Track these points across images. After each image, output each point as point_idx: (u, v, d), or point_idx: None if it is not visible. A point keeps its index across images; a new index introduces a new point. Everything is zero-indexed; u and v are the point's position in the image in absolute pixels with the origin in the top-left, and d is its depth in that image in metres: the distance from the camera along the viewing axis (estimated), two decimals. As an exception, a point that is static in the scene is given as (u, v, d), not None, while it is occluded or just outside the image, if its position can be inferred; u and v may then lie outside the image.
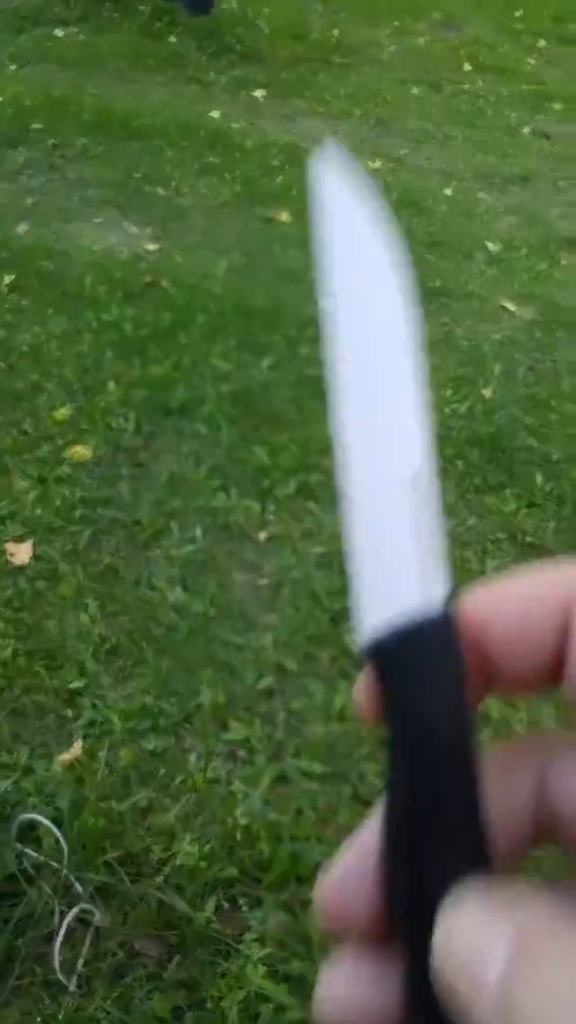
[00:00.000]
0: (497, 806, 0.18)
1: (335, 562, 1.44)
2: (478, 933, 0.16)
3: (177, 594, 1.35)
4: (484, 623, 0.19)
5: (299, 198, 2.94)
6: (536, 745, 0.19)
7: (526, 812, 0.19)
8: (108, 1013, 0.86)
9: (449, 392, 1.96)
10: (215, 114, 3.60)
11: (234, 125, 3.51)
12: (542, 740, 0.20)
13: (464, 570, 1.47)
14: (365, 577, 0.18)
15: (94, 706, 1.17)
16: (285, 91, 4.00)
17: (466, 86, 4.52)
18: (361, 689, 0.19)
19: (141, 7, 4.55)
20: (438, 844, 0.17)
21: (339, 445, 0.19)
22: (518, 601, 0.19)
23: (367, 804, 1.07)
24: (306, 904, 0.95)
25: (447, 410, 1.89)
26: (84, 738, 1.13)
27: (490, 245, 2.78)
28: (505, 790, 0.19)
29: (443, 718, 0.17)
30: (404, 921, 0.18)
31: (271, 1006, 0.87)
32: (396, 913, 0.18)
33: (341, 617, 1.35)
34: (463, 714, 0.18)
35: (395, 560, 0.18)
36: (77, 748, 1.11)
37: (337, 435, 0.19)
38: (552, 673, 0.19)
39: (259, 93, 3.94)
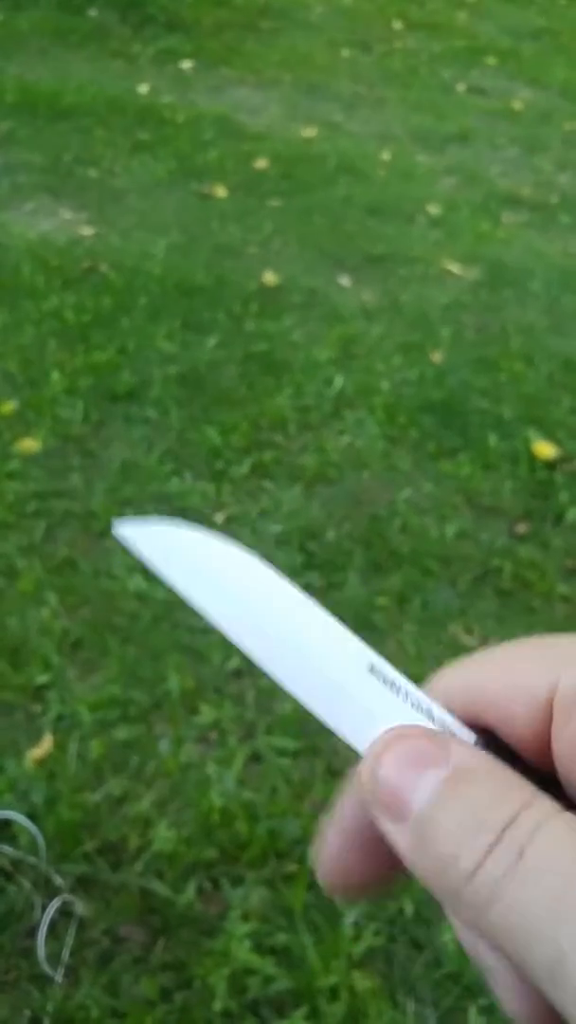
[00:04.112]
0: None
1: (294, 539, 1.45)
2: (413, 763, 0.16)
3: (137, 582, 1.34)
4: (480, 700, 0.18)
5: (234, 171, 2.88)
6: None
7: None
8: (97, 1000, 0.86)
9: (398, 360, 1.96)
10: (143, 89, 3.50)
11: (163, 99, 3.41)
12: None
13: (423, 537, 1.49)
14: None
15: (62, 700, 1.16)
16: (213, 60, 3.90)
17: (397, 45, 4.46)
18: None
19: (58, -21, 4.36)
20: None
21: (302, 699, 0.19)
22: (502, 681, 0.18)
23: (341, 776, 1.08)
24: (287, 879, 0.97)
25: (397, 378, 1.89)
26: (54, 732, 1.12)
27: (431, 207, 2.77)
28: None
29: None
30: None
31: (258, 978, 0.88)
32: None
33: (304, 592, 1.35)
34: None
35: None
36: (47, 743, 1.10)
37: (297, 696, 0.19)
38: (540, 750, 0.18)
39: (186, 64, 3.84)
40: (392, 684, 0.19)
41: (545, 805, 0.15)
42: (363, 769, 0.17)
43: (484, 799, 0.16)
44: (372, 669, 0.19)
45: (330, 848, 0.19)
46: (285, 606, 0.20)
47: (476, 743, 0.18)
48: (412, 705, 0.19)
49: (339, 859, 0.19)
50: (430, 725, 0.18)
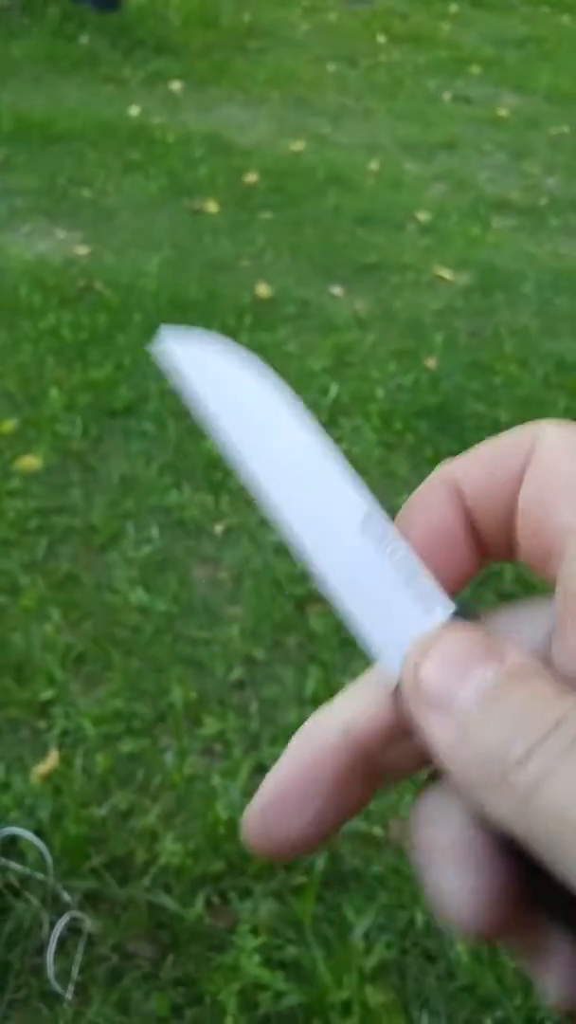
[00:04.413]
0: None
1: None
2: (462, 661, 0.16)
3: (139, 595, 1.34)
4: (459, 488, 0.19)
5: (225, 187, 2.91)
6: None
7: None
8: (107, 1018, 0.86)
9: (393, 366, 1.97)
10: (134, 111, 3.55)
11: (154, 120, 3.46)
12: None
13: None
14: (367, 626, 0.19)
15: (66, 715, 1.16)
16: (202, 81, 3.95)
17: (382, 58, 4.52)
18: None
19: (49, 10, 4.44)
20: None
21: (287, 528, 0.19)
22: (484, 460, 0.19)
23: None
24: (296, 890, 0.96)
25: (392, 385, 1.90)
26: (59, 748, 1.12)
27: (420, 215, 2.79)
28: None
29: None
30: None
31: (269, 994, 0.87)
32: None
33: (305, 602, 1.36)
34: None
35: (387, 597, 0.18)
36: (53, 758, 1.10)
37: (282, 521, 0.19)
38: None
39: (176, 85, 3.89)
40: (382, 538, 0.19)
41: None
42: (407, 662, 0.17)
43: (538, 697, 0.16)
44: (366, 519, 0.19)
45: (266, 798, 0.19)
46: (300, 451, 0.20)
47: (455, 611, 0.18)
48: (395, 567, 0.19)
49: (273, 810, 0.19)
50: (407, 589, 0.18)
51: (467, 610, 0.19)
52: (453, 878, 0.17)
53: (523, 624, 0.19)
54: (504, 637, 0.17)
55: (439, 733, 0.16)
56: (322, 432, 0.20)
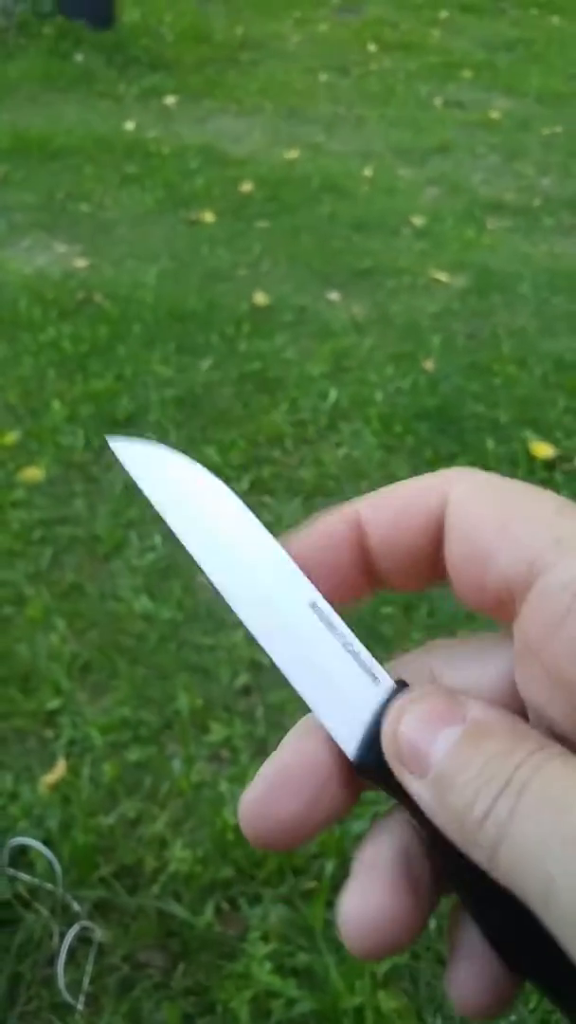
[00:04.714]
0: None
1: (297, 550, 1.45)
2: (432, 721, 0.18)
3: (143, 603, 1.35)
4: (366, 522, 0.21)
5: (221, 197, 2.93)
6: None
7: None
8: (120, 1027, 0.85)
9: (391, 370, 1.97)
10: (129, 125, 3.58)
11: (149, 134, 3.49)
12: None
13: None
14: (319, 705, 0.20)
15: (73, 724, 1.16)
16: (195, 94, 3.99)
17: (373, 66, 4.55)
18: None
19: (44, 29, 4.50)
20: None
21: (242, 616, 0.21)
22: (397, 500, 0.21)
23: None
24: (305, 895, 0.96)
25: (391, 388, 1.91)
26: (67, 757, 1.12)
27: (415, 219, 2.80)
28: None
29: None
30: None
31: (281, 1001, 0.87)
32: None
33: (309, 603, 1.36)
34: None
35: (336, 679, 0.20)
36: (61, 768, 1.10)
37: (236, 610, 0.21)
38: (431, 566, 0.20)
39: (170, 100, 3.93)
40: (329, 622, 0.20)
41: (552, 750, 0.16)
42: (385, 729, 0.19)
43: (498, 750, 0.17)
44: (314, 606, 0.20)
45: (262, 784, 0.20)
46: (244, 533, 0.21)
47: (394, 688, 0.20)
48: (343, 645, 0.20)
49: (269, 794, 0.20)
50: (355, 665, 0.20)
51: (403, 683, 0.20)
52: (377, 892, 0.19)
53: (472, 663, 0.20)
54: (466, 696, 0.18)
55: (420, 794, 0.17)
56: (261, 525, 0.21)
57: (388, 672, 0.20)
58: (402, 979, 0.90)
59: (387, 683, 0.20)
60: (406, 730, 0.18)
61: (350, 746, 0.20)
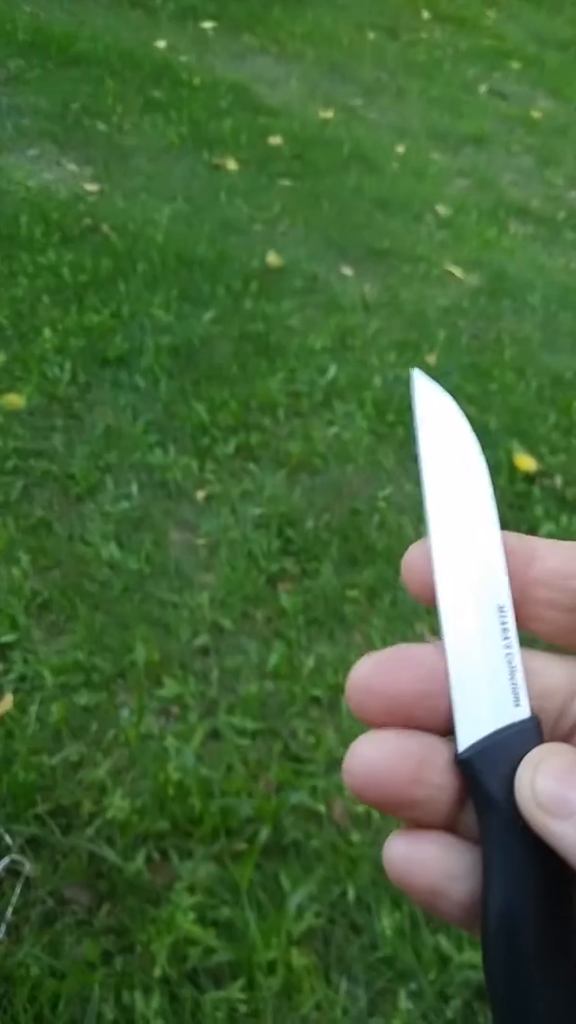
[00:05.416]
0: (539, 689, 0.22)
1: (273, 523, 1.45)
2: (572, 771, 0.19)
3: (111, 550, 1.34)
4: (541, 556, 0.22)
5: (248, 145, 2.83)
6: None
7: (558, 705, 0.23)
8: (38, 959, 0.87)
9: (393, 356, 1.96)
10: (161, 44, 3.41)
11: (181, 59, 3.33)
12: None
13: (400, 536, 1.50)
14: (464, 696, 0.21)
15: (25, 660, 1.16)
16: (236, 25, 3.82)
17: (424, 35, 4.42)
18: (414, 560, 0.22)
19: None
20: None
21: (438, 578, 0.22)
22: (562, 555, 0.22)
23: (297, 760, 1.10)
24: (236, 856, 0.99)
25: (390, 375, 1.90)
26: (14, 692, 1.12)
27: (440, 208, 2.76)
28: (549, 679, 0.22)
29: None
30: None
31: (199, 949, 0.90)
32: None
33: (277, 578, 1.37)
34: None
35: (484, 679, 0.21)
36: (7, 702, 1.10)
37: (436, 569, 0.22)
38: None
39: (208, 25, 3.75)
40: (505, 628, 0.22)
41: None
42: (522, 779, 0.20)
43: None
44: (501, 609, 0.22)
45: (380, 655, 0.21)
46: (482, 512, 0.23)
47: (529, 719, 0.21)
48: (506, 655, 0.22)
49: (386, 662, 0.21)
50: (507, 678, 0.21)
51: (537, 718, 0.22)
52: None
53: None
54: None
55: (564, 836, 0.19)
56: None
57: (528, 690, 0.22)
58: (315, 940, 0.94)
59: (525, 710, 0.21)
60: (546, 780, 0.20)
61: (463, 740, 0.21)
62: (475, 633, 0.21)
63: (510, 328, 2.20)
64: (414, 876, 0.21)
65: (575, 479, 1.72)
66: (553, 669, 0.22)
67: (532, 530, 1.59)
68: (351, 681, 0.21)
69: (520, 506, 1.64)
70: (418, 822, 0.21)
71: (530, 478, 1.70)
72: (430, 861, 0.21)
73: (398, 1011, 0.89)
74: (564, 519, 1.61)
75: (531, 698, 0.22)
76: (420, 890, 0.21)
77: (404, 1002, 0.90)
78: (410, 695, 0.21)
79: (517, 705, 0.21)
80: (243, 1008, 0.87)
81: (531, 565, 0.22)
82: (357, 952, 0.93)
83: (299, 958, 0.91)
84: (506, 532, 0.23)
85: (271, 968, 0.90)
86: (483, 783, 0.20)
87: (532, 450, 1.77)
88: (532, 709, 0.21)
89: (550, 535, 1.56)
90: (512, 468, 1.71)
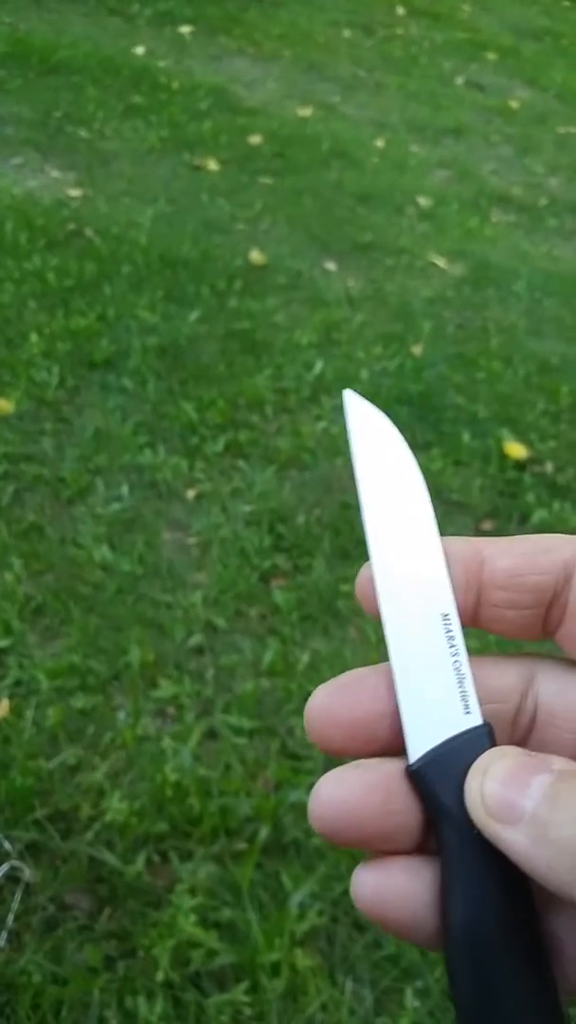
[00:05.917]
0: (492, 693, 0.22)
1: (264, 520, 1.45)
2: (518, 775, 0.19)
3: (104, 552, 1.33)
4: (490, 557, 0.22)
5: (228, 145, 2.83)
6: (525, 658, 0.23)
7: (512, 706, 0.22)
8: (39, 965, 0.87)
9: (379, 349, 1.96)
10: (139, 50, 3.41)
11: (160, 63, 3.33)
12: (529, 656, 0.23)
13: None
14: (412, 707, 0.21)
15: (20, 665, 1.15)
16: (212, 28, 3.82)
17: (399, 30, 4.42)
18: (362, 582, 0.22)
19: None
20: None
21: (380, 593, 0.22)
22: (522, 547, 0.22)
23: (295, 758, 1.10)
24: (236, 856, 0.98)
25: (377, 368, 1.90)
26: (11, 697, 1.11)
27: (421, 199, 2.76)
28: (500, 681, 0.22)
29: None
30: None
31: (202, 951, 0.89)
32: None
33: (270, 575, 1.36)
34: None
35: (432, 689, 0.21)
36: (3, 707, 1.09)
37: (377, 584, 0.22)
38: (535, 621, 0.22)
39: (185, 29, 3.75)
40: (451, 637, 0.21)
41: None
42: (470, 786, 0.20)
43: None
44: (445, 616, 0.21)
45: (339, 680, 0.21)
46: (420, 521, 0.22)
47: (479, 727, 0.21)
48: (454, 663, 0.21)
49: (345, 688, 0.21)
50: (455, 687, 0.21)
51: (489, 725, 0.21)
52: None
53: None
54: (544, 754, 0.20)
55: (514, 843, 0.18)
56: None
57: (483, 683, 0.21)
58: (319, 939, 0.93)
59: (476, 717, 0.21)
60: (493, 785, 0.19)
61: (413, 752, 0.21)
62: (420, 643, 0.21)
63: (495, 316, 2.19)
64: (388, 911, 0.20)
65: (566, 465, 1.72)
66: (504, 670, 0.22)
67: (525, 517, 1.59)
68: (310, 712, 0.21)
69: (512, 494, 1.63)
70: (389, 851, 0.21)
71: (521, 465, 1.70)
72: (402, 892, 0.20)
73: (405, 1010, 0.88)
74: (556, 505, 1.60)
75: (485, 702, 0.21)
76: (395, 924, 0.20)
77: (411, 1000, 0.89)
78: (372, 716, 0.21)
79: (468, 712, 0.21)
80: (248, 1011, 0.86)
81: (482, 568, 0.22)
82: (361, 951, 0.93)
83: (303, 959, 0.90)
84: (451, 538, 0.22)
85: (275, 969, 0.89)
86: (435, 793, 0.20)
87: (522, 437, 1.77)
88: (484, 715, 0.21)
89: (542, 521, 1.55)
90: (502, 456, 1.71)
